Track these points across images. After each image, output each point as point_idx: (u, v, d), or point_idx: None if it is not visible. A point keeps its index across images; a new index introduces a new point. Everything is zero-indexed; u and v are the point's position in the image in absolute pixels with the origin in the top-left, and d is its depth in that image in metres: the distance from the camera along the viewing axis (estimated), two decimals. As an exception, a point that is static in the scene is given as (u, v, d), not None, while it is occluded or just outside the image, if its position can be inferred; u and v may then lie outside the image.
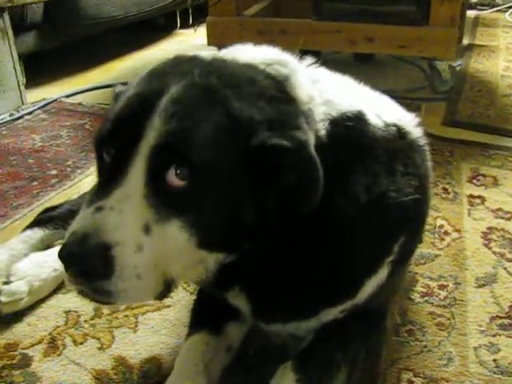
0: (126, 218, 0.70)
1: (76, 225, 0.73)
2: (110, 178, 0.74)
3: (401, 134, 0.94)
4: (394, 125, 0.93)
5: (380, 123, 0.90)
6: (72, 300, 1.22)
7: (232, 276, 0.87)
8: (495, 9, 4.78)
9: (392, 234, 0.92)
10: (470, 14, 4.37)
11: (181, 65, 0.83)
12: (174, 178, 0.72)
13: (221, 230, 0.77)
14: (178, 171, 0.72)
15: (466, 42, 3.61)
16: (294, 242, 0.84)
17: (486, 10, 4.79)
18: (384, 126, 0.91)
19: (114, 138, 0.77)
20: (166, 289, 0.78)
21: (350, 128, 0.86)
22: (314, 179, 0.76)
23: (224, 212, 0.76)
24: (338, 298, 0.92)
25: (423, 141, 0.99)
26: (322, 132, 0.83)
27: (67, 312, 1.19)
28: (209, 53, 0.88)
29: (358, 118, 0.87)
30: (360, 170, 0.85)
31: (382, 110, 0.93)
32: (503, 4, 4.82)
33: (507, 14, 4.59)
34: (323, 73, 0.97)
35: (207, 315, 1.05)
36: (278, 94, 0.81)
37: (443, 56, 2.43)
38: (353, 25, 2.43)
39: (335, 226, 0.85)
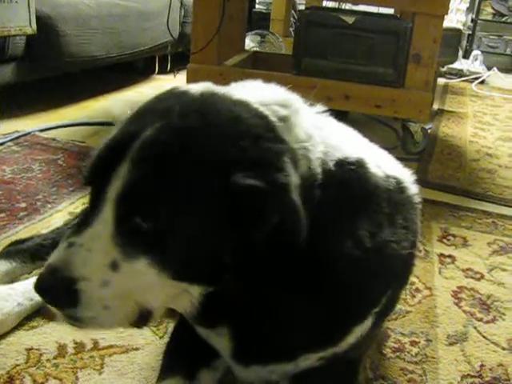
0: (93, 255, 0.75)
1: (51, 258, 0.76)
2: (86, 217, 0.78)
3: (400, 187, 0.95)
4: (394, 177, 0.94)
5: (380, 173, 0.91)
6: (35, 337, 1.17)
7: (220, 311, 0.85)
8: (463, 78, 5.00)
9: (385, 284, 0.92)
10: (440, 81, 4.55)
11: (166, 101, 0.82)
12: (139, 220, 0.73)
13: (195, 267, 0.77)
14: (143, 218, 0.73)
15: (436, 106, 3.74)
16: (285, 281, 0.82)
17: (455, 79, 5.01)
18: (384, 176, 0.91)
19: (91, 179, 0.79)
20: (144, 317, 0.80)
21: (353, 171, 0.86)
22: (295, 221, 0.74)
23: (196, 251, 0.76)
24: (322, 343, 0.90)
25: (418, 198, 1.00)
26: (319, 170, 0.82)
27: (29, 350, 1.13)
28: (203, 85, 0.85)
29: (360, 164, 0.88)
30: (364, 215, 0.85)
31: (382, 162, 0.94)
32: (470, 75, 5.04)
33: (473, 84, 4.80)
34: (330, 121, 0.97)
35: (180, 360, 1.02)
36: (265, 133, 0.78)
37: (417, 118, 2.51)
38: (330, 82, 2.49)
39: (332, 268, 0.83)
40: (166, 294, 0.79)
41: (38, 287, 0.75)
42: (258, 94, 0.85)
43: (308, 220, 0.76)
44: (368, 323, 0.91)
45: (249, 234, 0.75)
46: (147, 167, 0.73)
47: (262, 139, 0.76)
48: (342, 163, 0.85)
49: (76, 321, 0.77)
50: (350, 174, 0.86)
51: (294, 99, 0.88)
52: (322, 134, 0.87)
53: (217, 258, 0.77)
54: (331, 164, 0.84)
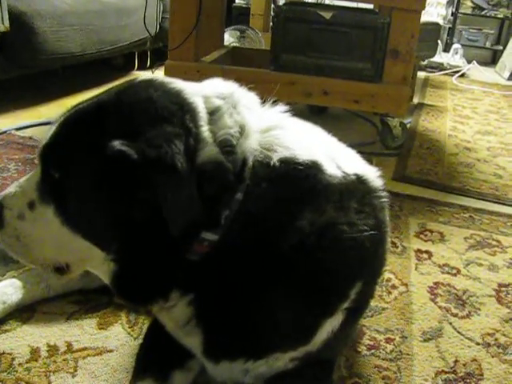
0: (19, 192, 0.91)
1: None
2: None
3: (360, 180, 0.94)
4: (355, 174, 0.93)
5: (338, 173, 0.90)
6: (7, 341, 1.15)
7: (136, 286, 0.87)
8: (443, 72, 5.03)
9: (348, 274, 0.89)
10: (421, 75, 4.57)
11: (117, 85, 0.91)
12: (53, 171, 0.86)
13: (88, 226, 0.85)
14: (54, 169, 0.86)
15: (416, 100, 3.76)
16: (242, 277, 0.83)
17: (435, 72, 5.03)
18: (342, 176, 0.90)
19: None
20: (62, 267, 0.93)
21: (300, 170, 0.85)
22: (169, 208, 0.76)
23: (86, 209, 0.84)
24: (290, 340, 0.90)
25: (382, 190, 0.99)
26: (249, 162, 0.83)
27: (0, 354, 1.11)
28: (160, 77, 0.92)
29: (311, 166, 0.87)
30: (307, 209, 0.84)
31: (344, 162, 0.93)
32: (450, 69, 5.08)
33: (454, 77, 4.83)
34: (292, 122, 0.97)
35: (153, 362, 1.01)
36: (170, 117, 0.81)
37: (395, 113, 2.52)
38: (309, 77, 2.50)
39: (281, 261, 0.83)
40: (73, 248, 0.89)
41: None
42: (203, 87, 0.90)
43: (231, 213, 0.80)
44: (338, 319, 0.90)
45: (124, 206, 0.79)
46: (59, 130, 0.87)
47: (160, 120, 0.81)
48: (288, 161, 0.85)
49: (2, 242, 0.94)
50: (295, 172, 0.85)
51: (239, 94, 0.91)
52: (272, 133, 0.88)
53: (104, 223, 0.83)
54: (275, 160, 0.84)
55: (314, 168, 0.87)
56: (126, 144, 0.76)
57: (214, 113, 0.85)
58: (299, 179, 0.85)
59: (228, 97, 0.88)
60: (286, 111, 0.97)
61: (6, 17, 2.35)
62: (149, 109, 0.82)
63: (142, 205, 0.77)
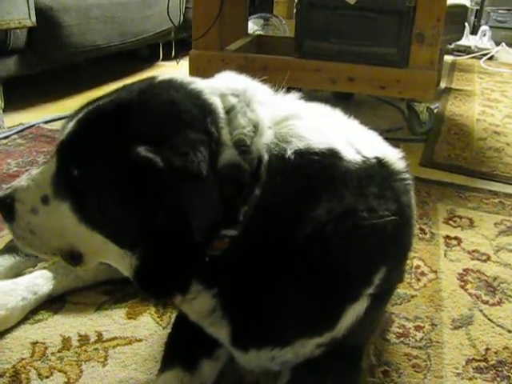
0: (32, 185, 0.90)
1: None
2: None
3: (381, 164, 0.92)
4: (375, 157, 0.92)
5: (358, 158, 0.89)
6: (40, 331, 1.18)
7: (159, 282, 0.87)
8: (471, 55, 4.93)
9: (369, 260, 0.89)
10: (448, 59, 4.49)
11: (135, 83, 0.91)
12: (71, 167, 0.84)
13: (106, 224, 0.85)
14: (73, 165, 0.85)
15: (443, 85, 3.70)
16: (264, 269, 0.83)
17: (462, 56, 4.94)
18: (362, 161, 0.89)
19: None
20: (75, 258, 0.93)
21: (315, 161, 0.85)
22: (195, 215, 0.77)
23: (106, 208, 0.83)
24: (315, 326, 0.89)
25: (406, 172, 0.97)
26: (265, 159, 0.83)
27: (34, 343, 1.14)
28: (179, 76, 0.91)
29: (327, 154, 0.86)
30: (324, 199, 0.84)
31: (364, 146, 0.92)
32: (478, 52, 4.97)
33: (482, 60, 4.74)
34: (308, 109, 0.96)
35: (181, 351, 1.02)
36: (192, 121, 0.81)
37: (422, 98, 2.48)
38: (334, 64, 2.47)
39: (299, 251, 0.83)
40: (89, 241, 0.88)
41: None
42: (219, 84, 0.90)
43: (249, 209, 0.81)
44: (363, 304, 0.89)
45: (149, 211, 0.78)
46: (79, 126, 0.85)
47: (184, 125, 0.81)
48: (302, 152, 0.85)
49: (14, 236, 0.94)
50: (310, 162, 0.84)
51: (252, 89, 0.90)
52: (287, 124, 0.88)
53: (125, 224, 0.82)
54: (289, 152, 0.84)
55: (330, 156, 0.86)
56: (152, 151, 0.76)
57: (229, 111, 0.85)
58: (315, 169, 0.84)
59: (241, 94, 0.87)
60: (301, 98, 0.97)
61: (33, 12, 2.36)
62: (172, 112, 0.82)
63: (167, 210, 0.77)
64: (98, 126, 0.84)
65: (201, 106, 0.84)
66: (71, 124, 0.86)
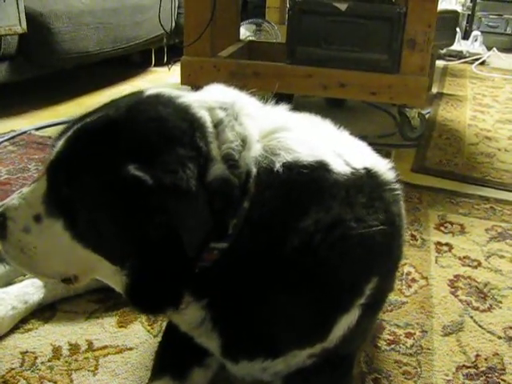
0: (24, 204, 0.89)
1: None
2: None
3: (369, 174, 0.92)
4: (364, 168, 0.92)
5: (347, 170, 0.89)
6: (30, 340, 1.17)
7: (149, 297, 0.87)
8: (462, 60, 4.96)
9: (359, 270, 0.89)
10: (439, 64, 4.52)
11: (124, 98, 0.90)
12: (61, 185, 0.85)
13: (98, 242, 0.85)
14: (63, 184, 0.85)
15: (435, 90, 3.72)
16: (254, 280, 0.83)
17: (454, 61, 4.97)
18: (351, 172, 0.89)
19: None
20: (68, 277, 0.93)
21: (303, 174, 0.84)
22: (185, 230, 0.77)
23: (98, 226, 0.83)
24: (307, 337, 0.89)
25: (395, 183, 0.97)
26: (252, 173, 0.82)
27: (24, 353, 1.14)
28: (167, 90, 0.91)
29: (316, 167, 0.86)
30: (312, 210, 0.84)
31: (353, 157, 0.92)
32: (470, 56, 5.00)
33: (473, 65, 4.77)
34: (297, 121, 0.96)
35: (171, 359, 1.02)
36: (181, 136, 0.81)
37: (413, 103, 2.49)
38: (325, 70, 2.48)
39: (288, 263, 0.83)
40: (82, 260, 0.88)
41: None
42: (207, 97, 0.90)
43: (238, 221, 0.81)
44: (354, 315, 0.89)
45: (140, 228, 0.78)
46: (68, 145, 0.85)
47: (172, 141, 0.81)
48: (291, 165, 0.84)
49: (6, 254, 0.93)
50: (298, 176, 0.84)
51: (240, 102, 0.90)
52: (276, 137, 0.87)
53: (117, 241, 0.82)
54: (277, 166, 0.84)
55: (319, 168, 0.86)
56: (141, 169, 0.76)
57: (217, 125, 0.85)
58: (302, 182, 0.84)
59: (229, 107, 0.87)
60: (290, 109, 0.97)
61: (24, 19, 2.37)
62: (160, 128, 0.82)
63: (157, 226, 0.77)
64: (86, 145, 0.84)
65: (189, 121, 0.83)
66: (60, 143, 0.86)
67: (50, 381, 1.07)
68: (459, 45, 5.12)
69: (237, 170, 0.82)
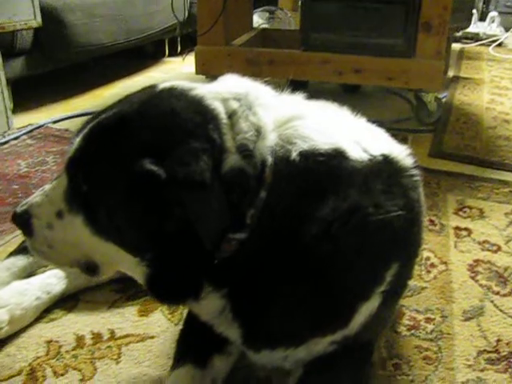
0: (47, 201, 0.92)
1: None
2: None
3: (387, 161, 0.92)
4: (382, 155, 0.91)
5: (364, 157, 0.88)
6: (54, 329, 1.19)
7: (171, 288, 0.88)
8: (479, 43, 4.89)
9: (379, 256, 0.89)
10: (455, 47, 4.46)
11: (136, 94, 0.91)
12: (81, 182, 0.87)
13: (118, 235, 0.86)
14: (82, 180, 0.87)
15: (451, 74, 3.67)
16: (274, 270, 0.84)
17: (471, 43, 4.90)
18: (369, 159, 0.89)
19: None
20: (92, 268, 0.95)
21: (320, 162, 0.84)
22: (201, 223, 0.77)
23: (116, 220, 0.84)
24: (329, 325, 0.90)
25: (413, 169, 0.96)
26: (268, 162, 0.82)
27: (48, 342, 1.16)
28: (180, 83, 0.91)
29: (333, 154, 0.86)
30: (330, 198, 0.83)
31: (370, 144, 0.92)
32: (486, 38, 4.93)
33: (491, 48, 4.69)
34: (313, 108, 0.96)
35: (192, 347, 1.03)
36: (195, 129, 0.81)
37: (429, 88, 2.47)
38: (340, 56, 2.46)
39: (306, 251, 0.83)
40: (104, 252, 0.90)
41: (13, 215, 0.95)
42: (220, 87, 0.89)
43: (256, 211, 0.81)
44: (375, 303, 0.90)
45: (157, 221, 0.79)
46: (84, 142, 0.87)
47: (186, 134, 0.81)
48: (307, 154, 0.84)
49: (33, 250, 0.96)
50: (315, 164, 0.84)
51: (254, 92, 0.89)
52: (291, 125, 0.87)
53: (136, 234, 0.83)
54: (294, 154, 0.83)
55: (335, 156, 0.86)
56: (155, 163, 0.77)
57: (231, 116, 0.84)
58: (320, 170, 0.84)
59: (243, 97, 0.87)
60: (305, 96, 0.96)
61: (39, 13, 2.39)
62: (174, 122, 0.82)
63: (174, 219, 0.78)
64: (101, 141, 0.85)
65: (203, 113, 0.83)
66: (77, 140, 0.88)
67: (74, 369, 1.09)
68: (476, 27, 5.05)
69: (252, 160, 0.82)
